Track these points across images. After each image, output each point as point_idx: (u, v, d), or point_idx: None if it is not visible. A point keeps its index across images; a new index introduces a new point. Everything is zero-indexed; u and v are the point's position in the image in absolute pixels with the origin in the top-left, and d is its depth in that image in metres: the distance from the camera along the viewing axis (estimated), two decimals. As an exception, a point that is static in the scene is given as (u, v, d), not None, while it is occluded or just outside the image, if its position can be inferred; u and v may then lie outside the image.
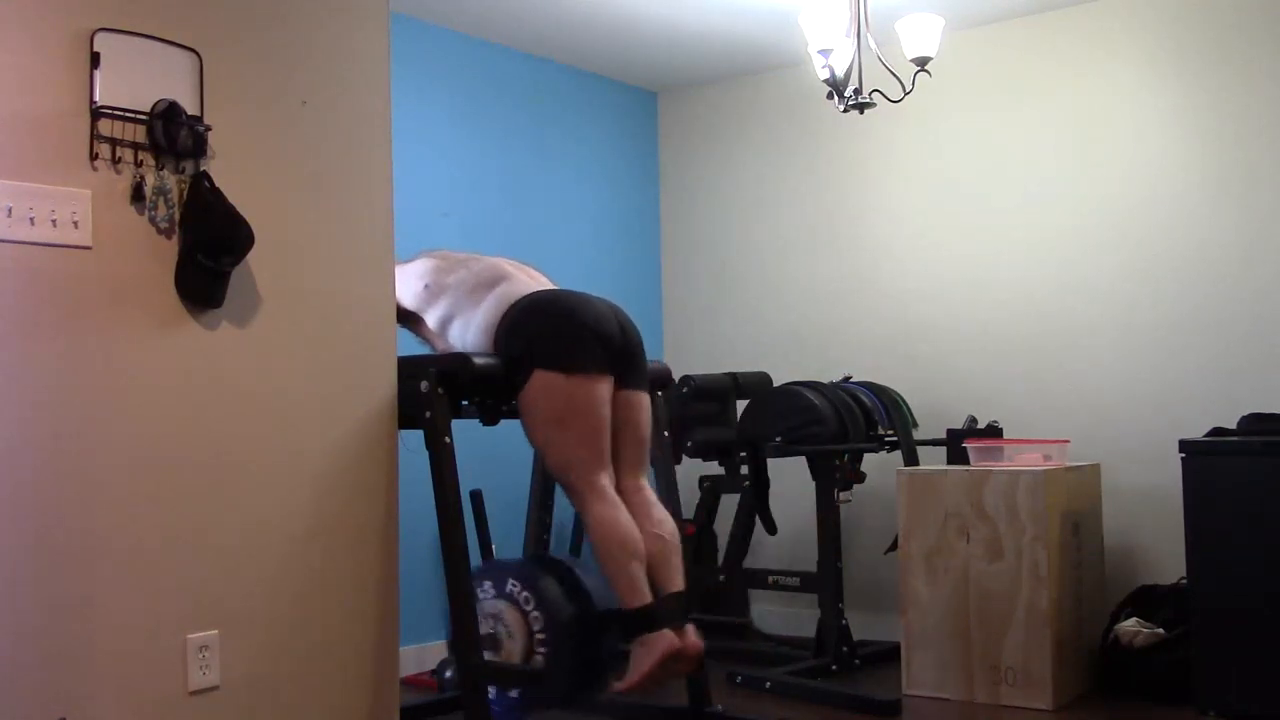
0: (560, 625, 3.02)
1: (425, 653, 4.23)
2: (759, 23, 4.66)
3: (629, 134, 5.46)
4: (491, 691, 2.98)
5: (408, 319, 3.29)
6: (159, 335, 2.39)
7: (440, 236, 3.68)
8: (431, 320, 3.24)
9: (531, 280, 3.26)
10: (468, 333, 3.14)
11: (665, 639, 2.93)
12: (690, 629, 3.02)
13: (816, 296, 5.12)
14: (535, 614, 3.03)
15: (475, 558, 4.05)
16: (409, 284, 3.26)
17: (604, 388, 3.01)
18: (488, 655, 2.97)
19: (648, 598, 2.95)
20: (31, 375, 2.21)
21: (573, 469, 3.00)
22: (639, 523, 3.02)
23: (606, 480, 3.01)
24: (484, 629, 3.00)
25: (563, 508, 4.42)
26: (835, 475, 4.28)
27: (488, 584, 3.10)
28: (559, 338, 2.99)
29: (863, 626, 4.52)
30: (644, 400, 3.17)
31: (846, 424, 4.19)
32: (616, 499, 3.01)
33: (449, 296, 3.21)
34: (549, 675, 2.97)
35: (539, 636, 3.01)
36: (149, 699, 2.34)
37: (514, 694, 3.08)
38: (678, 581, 3.05)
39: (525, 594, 3.05)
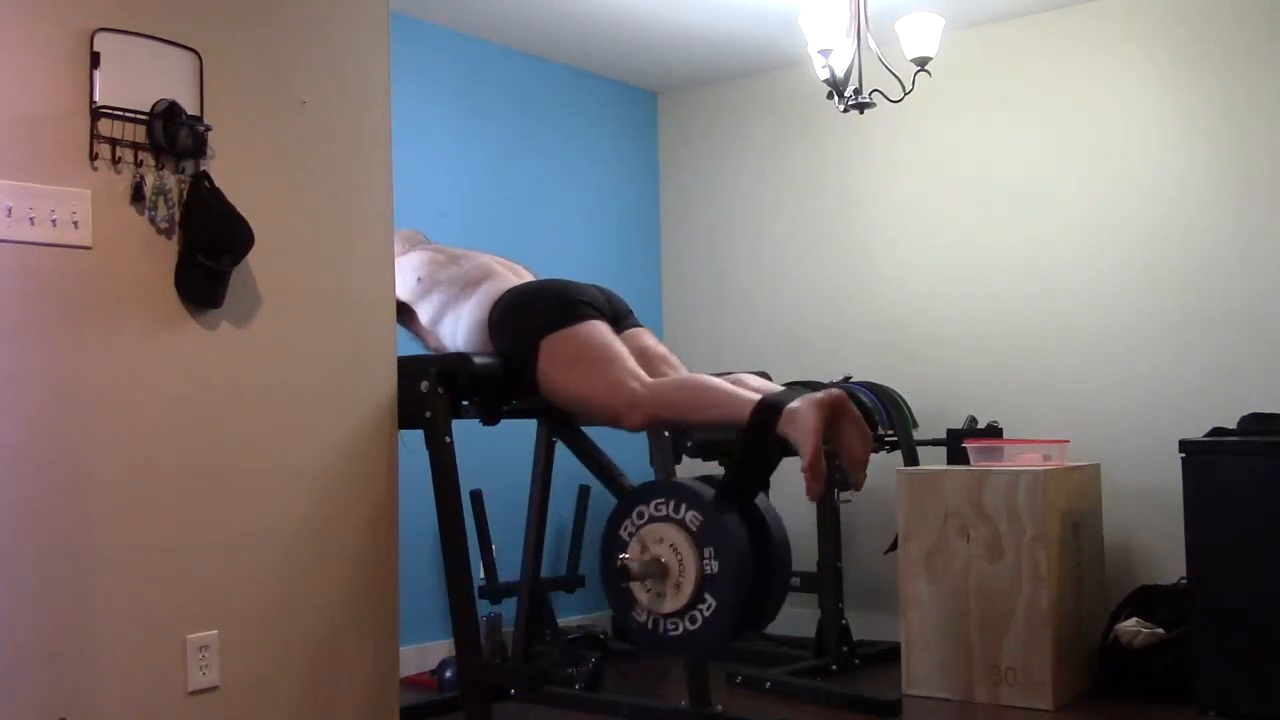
0: (730, 532, 2.59)
1: (425, 653, 4.23)
2: (759, 23, 4.66)
3: (629, 134, 5.46)
4: (648, 626, 2.66)
5: (400, 312, 3.29)
6: (159, 335, 2.39)
7: (440, 236, 3.69)
8: (424, 315, 3.25)
9: (517, 278, 3.26)
10: (458, 330, 3.14)
11: (811, 398, 2.55)
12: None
13: (816, 296, 5.12)
14: (695, 523, 2.61)
15: (475, 558, 4.06)
16: (403, 276, 3.26)
17: (606, 325, 2.98)
18: (651, 584, 2.63)
19: (758, 395, 2.64)
20: (31, 375, 2.21)
21: (614, 390, 2.85)
22: None
23: (647, 377, 2.87)
24: (648, 556, 2.65)
25: (563, 508, 4.42)
26: (835, 475, 4.27)
27: (641, 510, 2.70)
28: (551, 307, 2.98)
29: (863, 626, 4.52)
30: (647, 332, 3.14)
31: (846, 424, 4.18)
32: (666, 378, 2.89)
33: (440, 293, 3.22)
34: (725, 598, 2.57)
35: (707, 554, 2.59)
36: (149, 699, 2.34)
37: (690, 625, 2.64)
38: (776, 387, 2.79)
39: (687, 510, 2.64)
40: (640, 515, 2.68)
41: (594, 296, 3.07)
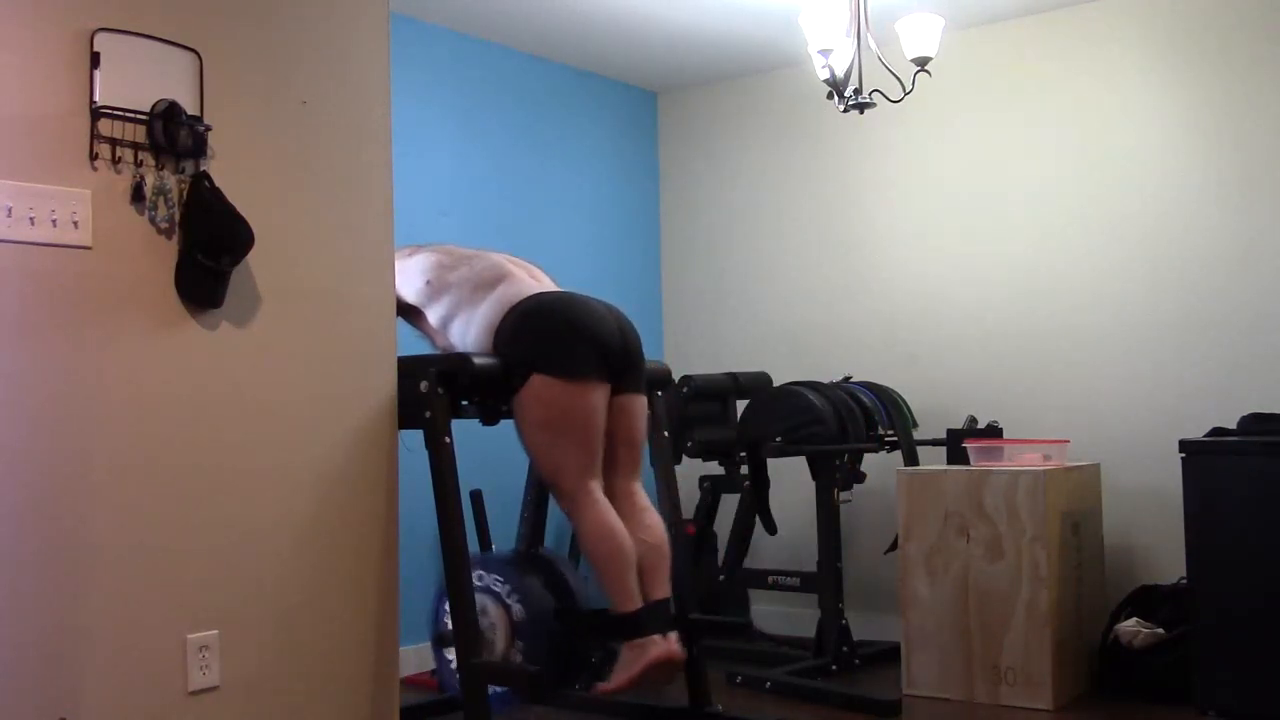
0: (538, 621, 3.04)
1: (425, 653, 4.22)
2: (759, 23, 4.66)
3: (629, 134, 5.46)
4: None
5: (408, 313, 3.29)
6: (159, 335, 2.39)
7: (440, 236, 3.68)
8: (433, 317, 3.24)
9: (533, 280, 3.26)
10: (469, 332, 3.14)
11: (656, 645, 2.95)
12: (674, 637, 3.02)
13: (816, 296, 5.12)
14: (516, 609, 3.05)
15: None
16: (411, 279, 3.26)
17: (601, 395, 3.03)
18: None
19: (638, 603, 2.97)
20: (31, 375, 2.21)
21: (564, 474, 3.01)
22: (629, 528, 3.03)
23: (596, 485, 3.02)
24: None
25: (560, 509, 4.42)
26: (835, 475, 4.28)
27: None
28: (560, 343, 2.99)
29: (863, 626, 4.52)
30: (641, 404, 3.18)
31: (846, 424, 4.19)
32: (607, 504, 3.02)
33: (451, 295, 3.21)
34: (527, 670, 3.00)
35: (518, 631, 3.04)
36: (149, 699, 2.34)
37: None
38: (665, 589, 3.06)
39: (507, 588, 3.07)
40: (497, 579, 3.12)
41: (608, 334, 3.06)
